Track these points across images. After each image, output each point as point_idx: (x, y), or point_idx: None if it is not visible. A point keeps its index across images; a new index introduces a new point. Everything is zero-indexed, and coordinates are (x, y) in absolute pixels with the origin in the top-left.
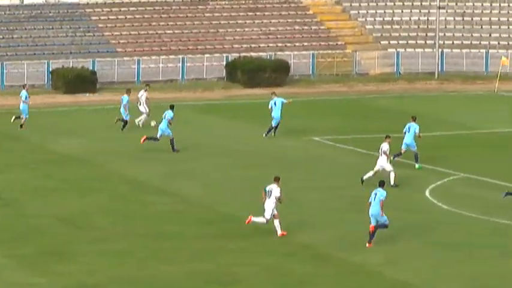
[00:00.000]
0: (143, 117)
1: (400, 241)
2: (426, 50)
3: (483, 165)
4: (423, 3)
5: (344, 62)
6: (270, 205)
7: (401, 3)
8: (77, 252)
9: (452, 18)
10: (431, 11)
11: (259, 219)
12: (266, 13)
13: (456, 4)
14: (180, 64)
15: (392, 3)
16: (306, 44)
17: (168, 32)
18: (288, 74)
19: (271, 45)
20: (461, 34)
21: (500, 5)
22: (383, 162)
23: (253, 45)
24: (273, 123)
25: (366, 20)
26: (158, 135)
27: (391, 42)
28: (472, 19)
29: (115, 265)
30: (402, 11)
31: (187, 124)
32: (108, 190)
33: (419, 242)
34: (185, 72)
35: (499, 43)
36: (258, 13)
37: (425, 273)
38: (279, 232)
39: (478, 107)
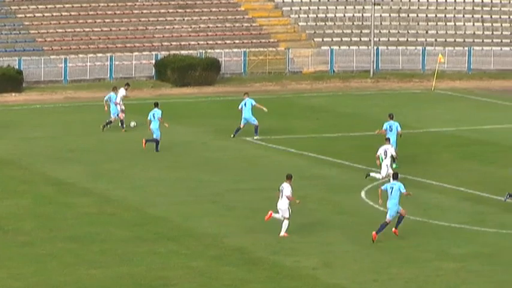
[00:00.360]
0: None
1: (336, 244)
2: (361, 47)
3: (419, 166)
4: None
5: (277, 60)
6: (284, 205)
7: (335, 0)
8: (3, 256)
9: (388, 15)
10: (366, 7)
11: (278, 216)
12: (196, 10)
13: (392, 0)
14: (108, 63)
15: (327, 0)
16: (237, 41)
17: (96, 29)
18: (219, 72)
19: (201, 42)
20: (397, 31)
21: (437, 0)
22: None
23: (183, 43)
24: (241, 124)
25: (299, 16)
26: (155, 137)
27: (325, 39)
28: (408, 15)
29: (41, 270)
30: (336, 7)
31: (115, 123)
32: (33, 192)
33: (355, 244)
34: (113, 71)
35: (436, 40)
36: (187, 10)
37: (362, 277)
38: (282, 233)
39: (415, 106)
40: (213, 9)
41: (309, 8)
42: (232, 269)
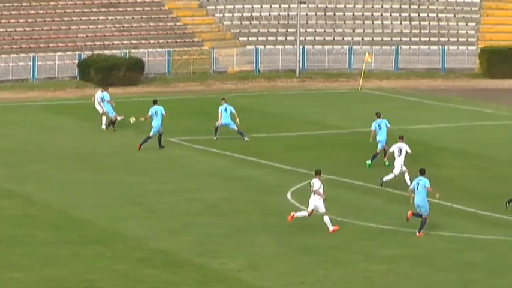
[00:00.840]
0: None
1: (262, 245)
2: (287, 46)
3: (345, 166)
4: None
5: (201, 60)
6: (317, 201)
7: None
8: None
9: (314, 13)
10: (291, 6)
11: (301, 214)
12: (120, 9)
13: None
14: (31, 63)
15: None
16: (161, 41)
17: (19, 29)
18: (143, 72)
19: (125, 42)
20: (323, 30)
21: None
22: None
23: (106, 43)
24: (217, 125)
25: (223, 15)
26: (152, 133)
27: (250, 38)
28: (334, 14)
29: None
30: (261, 6)
31: (38, 125)
32: None
33: (282, 246)
34: (36, 71)
35: (362, 39)
36: (111, 9)
37: (289, 279)
38: (330, 228)
39: (342, 106)
40: (137, 9)
41: (234, 7)
42: (156, 271)
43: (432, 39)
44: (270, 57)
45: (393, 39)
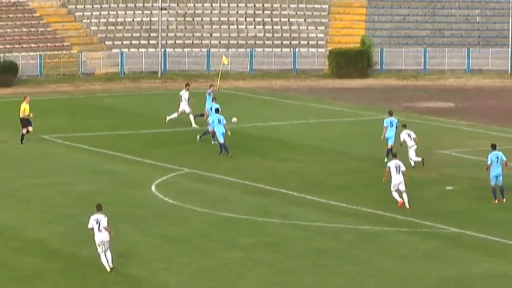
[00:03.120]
0: (174, 115)
1: (128, 235)
2: (149, 49)
3: (204, 161)
4: (146, 5)
5: (70, 62)
6: (400, 178)
7: (124, 5)
8: None
9: (174, 19)
10: (153, 12)
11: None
12: None
13: (178, 5)
14: None
15: (116, 5)
16: (33, 45)
17: None
18: (17, 74)
19: (0, 47)
20: (183, 34)
21: (220, 5)
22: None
23: None
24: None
25: (90, 21)
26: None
27: (116, 42)
28: (193, 19)
29: None
30: (126, 13)
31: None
32: None
33: (147, 235)
34: None
35: (219, 42)
36: None
37: (154, 266)
38: (407, 205)
39: (201, 105)
40: (10, 15)
41: (100, 14)
42: (32, 259)
43: (284, 42)
44: (134, 59)
45: (248, 42)
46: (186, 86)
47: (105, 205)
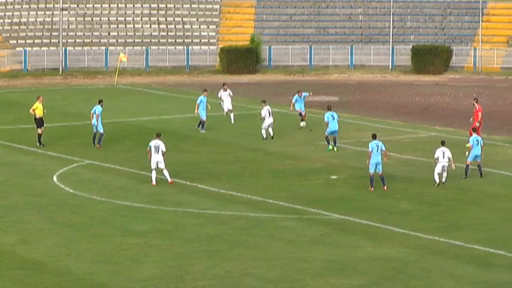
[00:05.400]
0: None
1: (32, 222)
2: (51, 48)
3: (104, 153)
4: (47, 6)
5: None
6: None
7: (27, 6)
8: None
9: (74, 19)
10: (55, 12)
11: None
12: None
13: (78, 6)
14: None
15: (20, 6)
16: None
17: None
18: None
19: None
20: (83, 33)
21: (118, 6)
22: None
23: None
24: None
25: None
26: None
27: (20, 41)
28: (92, 19)
29: None
30: (29, 13)
31: None
32: None
33: (49, 222)
34: None
35: (117, 41)
36: None
37: (56, 251)
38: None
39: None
40: None
41: (5, 14)
42: None
43: (178, 40)
44: (37, 57)
45: (144, 40)
46: (223, 85)
47: (10, 194)
